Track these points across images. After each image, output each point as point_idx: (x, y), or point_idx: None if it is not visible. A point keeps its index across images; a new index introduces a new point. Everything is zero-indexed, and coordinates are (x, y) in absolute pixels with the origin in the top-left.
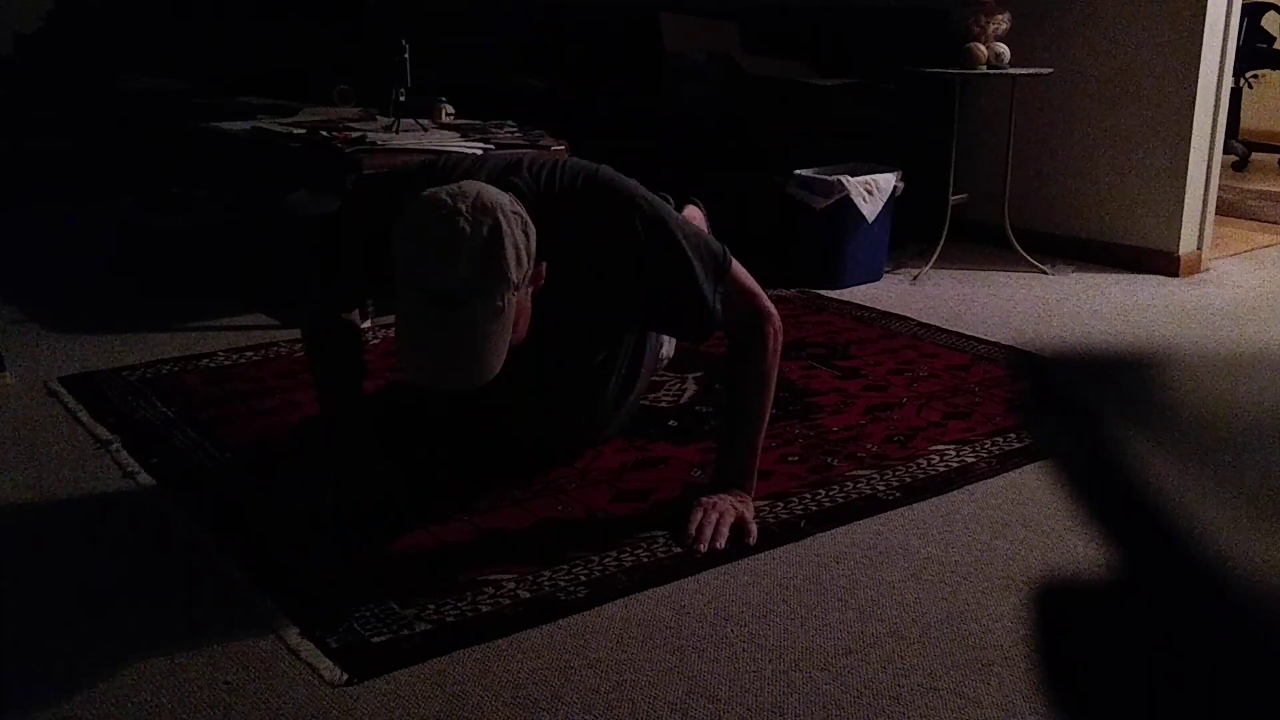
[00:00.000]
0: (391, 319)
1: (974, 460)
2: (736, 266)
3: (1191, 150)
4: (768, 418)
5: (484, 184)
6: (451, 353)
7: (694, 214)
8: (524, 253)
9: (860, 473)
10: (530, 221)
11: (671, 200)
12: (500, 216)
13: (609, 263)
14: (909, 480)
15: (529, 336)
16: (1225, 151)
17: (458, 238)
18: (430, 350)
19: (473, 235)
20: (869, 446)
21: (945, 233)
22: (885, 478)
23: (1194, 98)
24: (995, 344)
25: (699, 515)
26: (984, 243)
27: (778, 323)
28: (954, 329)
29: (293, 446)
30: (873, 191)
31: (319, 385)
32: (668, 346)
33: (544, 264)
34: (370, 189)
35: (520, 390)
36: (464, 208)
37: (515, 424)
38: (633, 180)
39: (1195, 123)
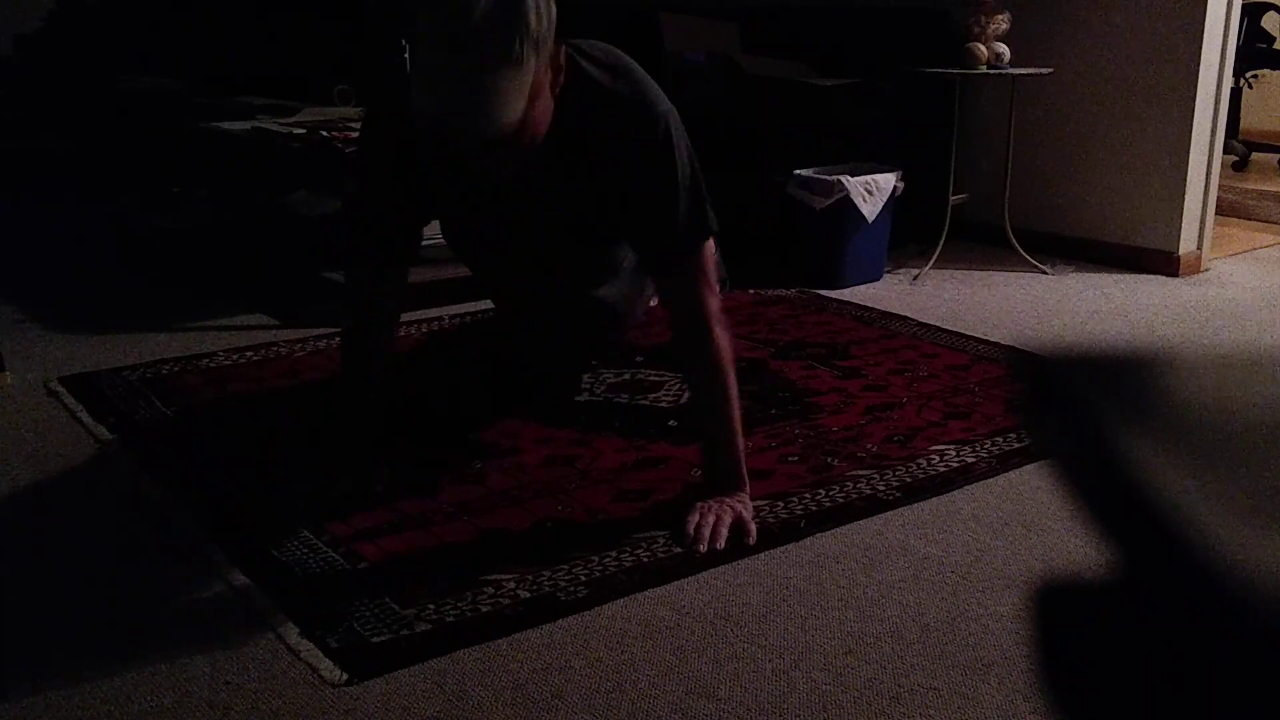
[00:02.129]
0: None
1: (974, 460)
2: (712, 246)
3: (1191, 150)
4: (738, 415)
5: None
6: (464, 91)
7: None
8: (545, 13)
9: (860, 473)
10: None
11: None
12: None
13: (611, 157)
14: (909, 480)
15: (538, 229)
16: (1225, 151)
17: None
18: (445, 92)
19: None
20: (869, 446)
21: (945, 233)
22: (885, 478)
23: (1194, 98)
24: (995, 344)
25: (698, 516)
26: (984, 243)
27: (722, 317)
28: (954, 329)
29: (293, 444)
30: (873, 191)
31: (346, 356)
32: None
33: (564, 50)
34: (384, 86)
35: (534, 286)
36: None
37: (532, 327)
38: (667, 104)
39: (1195, 123)
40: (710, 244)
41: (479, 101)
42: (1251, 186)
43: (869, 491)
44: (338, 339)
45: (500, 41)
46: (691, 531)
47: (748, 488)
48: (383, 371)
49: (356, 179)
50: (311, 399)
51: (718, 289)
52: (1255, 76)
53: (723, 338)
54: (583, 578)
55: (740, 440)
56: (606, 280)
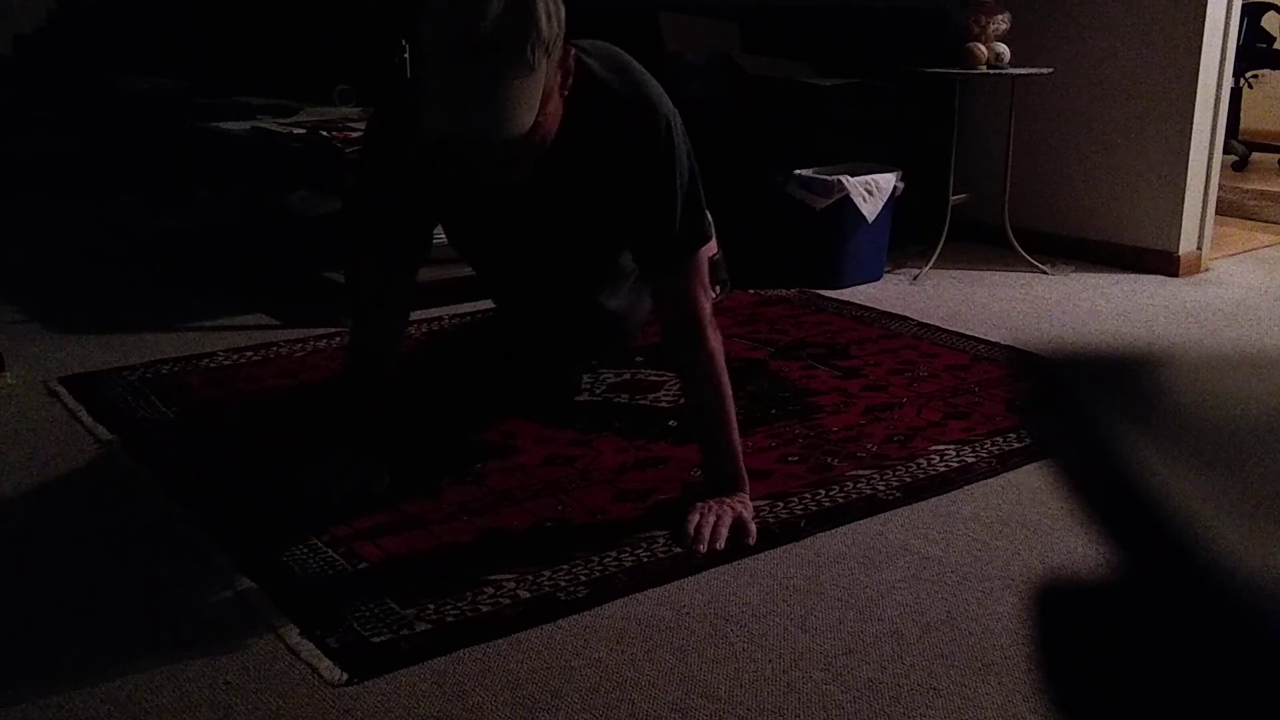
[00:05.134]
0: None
1: (974, 460)
2: (714, 247)
3: (1191, 150)
4: (734, 416)
5: None
6: (478, 100)
7: None
8: (555, 16)
9: (860, 473)
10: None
11: None
12: None
13: (613, 158)
14: (909, 480)
15: (543, 233)
16: (1225, 151)
17: None
18: (458, 102)
19: None
20: (869, 446)
21: (945, 233)
22: (885, 478)
23: (1194, 98)
24: (995, 344)
25: (697, 516)
26: (984, 243)
27: (713, 321)
28: (954, 329)
29: (293, 444)
30: (873, 191)
31: (351, 356)
32: None
33: (572, 51)
34: (390, 89)
35: (538, 290)
36: None
37: (534, 329)
38: (670, 105)
39: (1195, 123)
40: (713, 244)
41: (493, 111)
42: (1251, 186)
43: (869, 491)
44: (338, 339)
45: (512, 49)
46: (692, 531)
47: (747, 488)
48: (387, 372)
49: (359, 181)
50: (311, 399)
51: (711, 294)
52: (1255, 76)
53: (715, 340)
54: (583, 578)
55: (737, 441)
56: (610, 287)
